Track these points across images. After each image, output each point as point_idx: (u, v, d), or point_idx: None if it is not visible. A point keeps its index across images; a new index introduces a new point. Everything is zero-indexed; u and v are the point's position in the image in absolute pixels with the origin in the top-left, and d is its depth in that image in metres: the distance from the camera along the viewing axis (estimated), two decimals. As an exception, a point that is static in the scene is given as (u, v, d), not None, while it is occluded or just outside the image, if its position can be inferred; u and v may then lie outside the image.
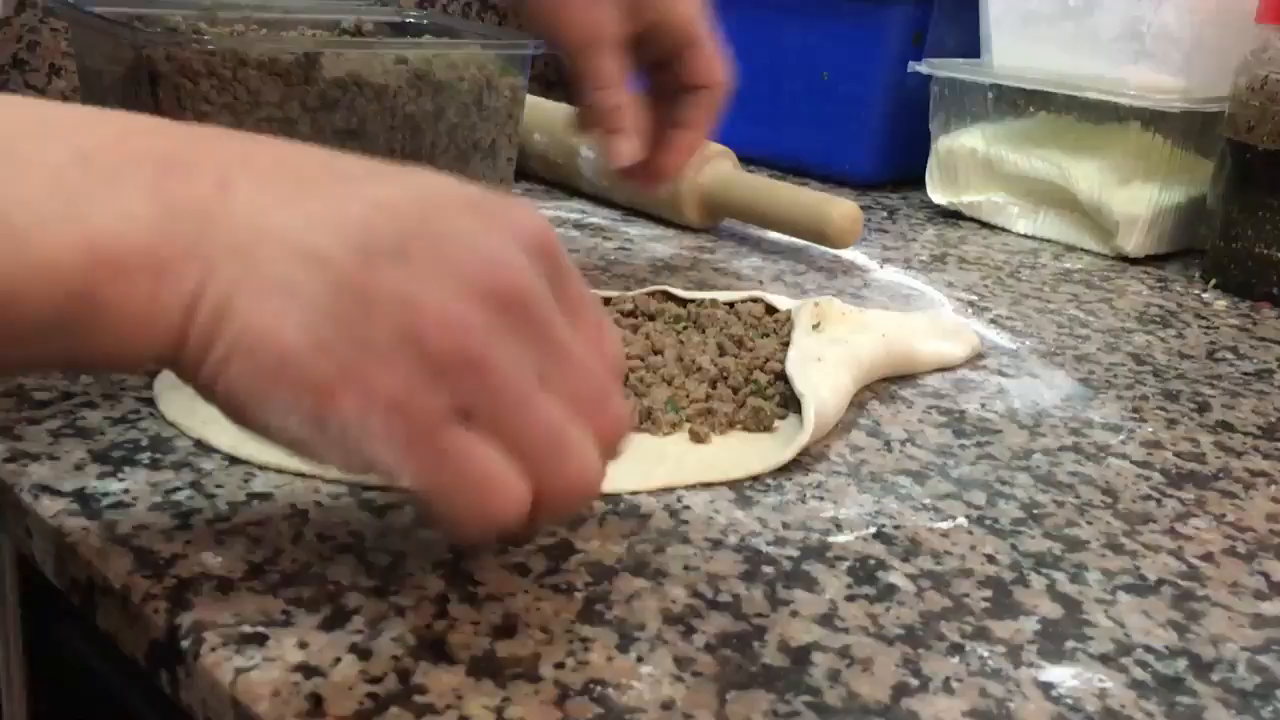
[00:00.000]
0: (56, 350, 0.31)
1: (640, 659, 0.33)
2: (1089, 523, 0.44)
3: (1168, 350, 0.65)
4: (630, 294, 0.58)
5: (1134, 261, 0.82)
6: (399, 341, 0.30)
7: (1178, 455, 0.51)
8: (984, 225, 0.89)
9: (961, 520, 0.43)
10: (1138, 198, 0.80)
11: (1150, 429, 0.53)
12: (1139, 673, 0.35)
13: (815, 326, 0.54)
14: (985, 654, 0.35)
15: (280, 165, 0.33)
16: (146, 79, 0.59)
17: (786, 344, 0.53)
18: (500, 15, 1.29)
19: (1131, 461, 0.49)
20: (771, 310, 0.58)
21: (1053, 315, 0.69)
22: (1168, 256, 0.84)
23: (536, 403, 0.32)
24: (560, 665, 0.32)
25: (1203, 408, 0.56)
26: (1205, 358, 0.64)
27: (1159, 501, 0.46)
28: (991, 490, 0.45)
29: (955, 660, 0.34)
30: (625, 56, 0.59)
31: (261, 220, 0.31)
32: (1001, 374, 0.58)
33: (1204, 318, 0.71)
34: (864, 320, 0.56)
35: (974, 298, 0.71)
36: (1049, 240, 0.86)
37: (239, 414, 0.32)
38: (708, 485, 0.43)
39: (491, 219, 0.33)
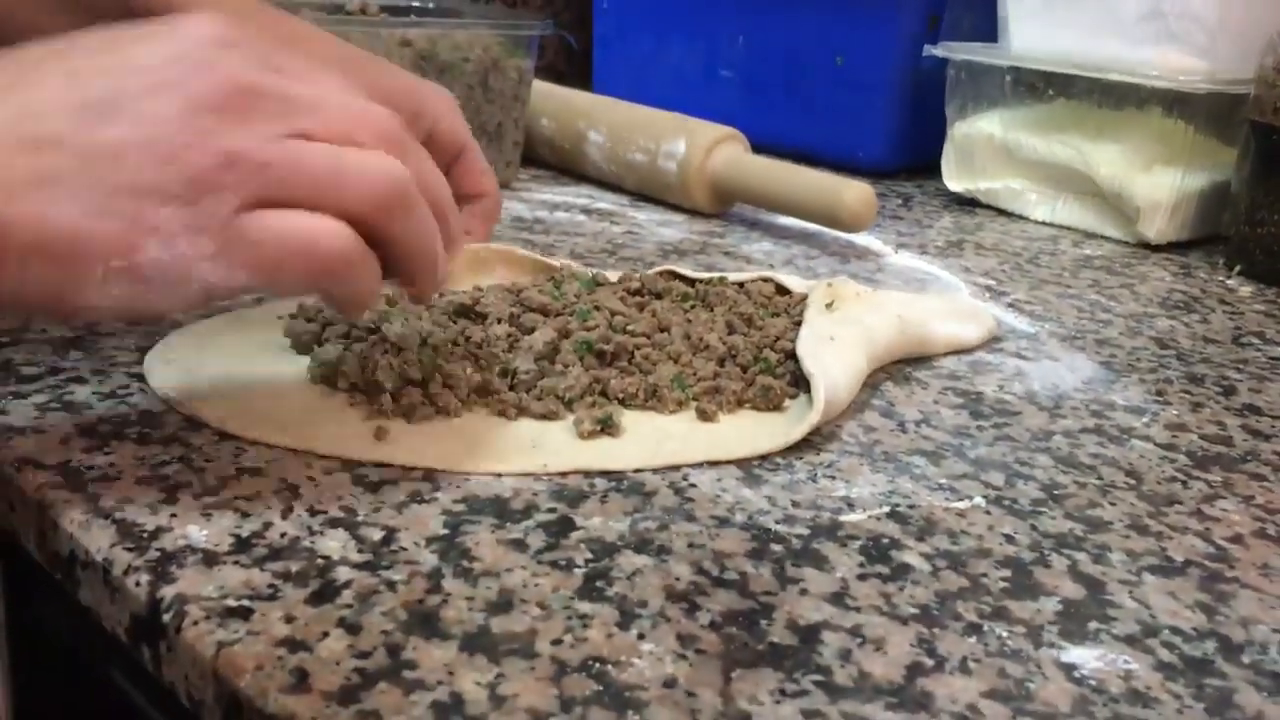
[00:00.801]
0: None
1: (641, 636, 0.31)
2: (1112, 504, 0.42)
3: (1191, 335, 0.63)
4: (636, 274, 0.56)
5: (1156, 248, 0.81)
6: (161, 175, 0.33)
7: (1203, 438, 0.49)
8: (1001, 212, 0.87)
9: (979, 500, 0.41)
10: (1160, 183, 0.78)
11: (1175, 412, 0.51)
12: (1166, 654, 0.33)
13: (829, 306, 0.52)
14: (1004, 634, 0.33)
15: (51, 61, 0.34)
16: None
17: (798, 323, 0.51)
18: (509, 1, 1.27)
19: (1155, 444, 0.48)
20: (783, 291, 0.57)
21: (1073, 300, 0.67)
22: (1190, 243, 0.82)
23: (302, 152, 0.34)
24: (557, 642, 0.31)
25: (1229, 391, 0.54)
26: (1230, 342, 0.62)
27: (1184, 483, 0.44)
28: (1010, 471, 0.44)
29: (973, 640, 0.33)
30: None
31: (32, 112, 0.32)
32: (1020, 357, 0.56)
33: (1228, 303, 0.69)
34: (878, 300, 0.54)
35: (991, 283, 0.69)
36: (1068, 227, 0.84)
37: (60, 307, 0.33)
38: (715, 463, 0.42)
39: (175, 34, 0.35)
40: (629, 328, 0.48)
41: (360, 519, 0.36)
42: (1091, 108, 0.82)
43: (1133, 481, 0.44)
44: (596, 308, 0.50)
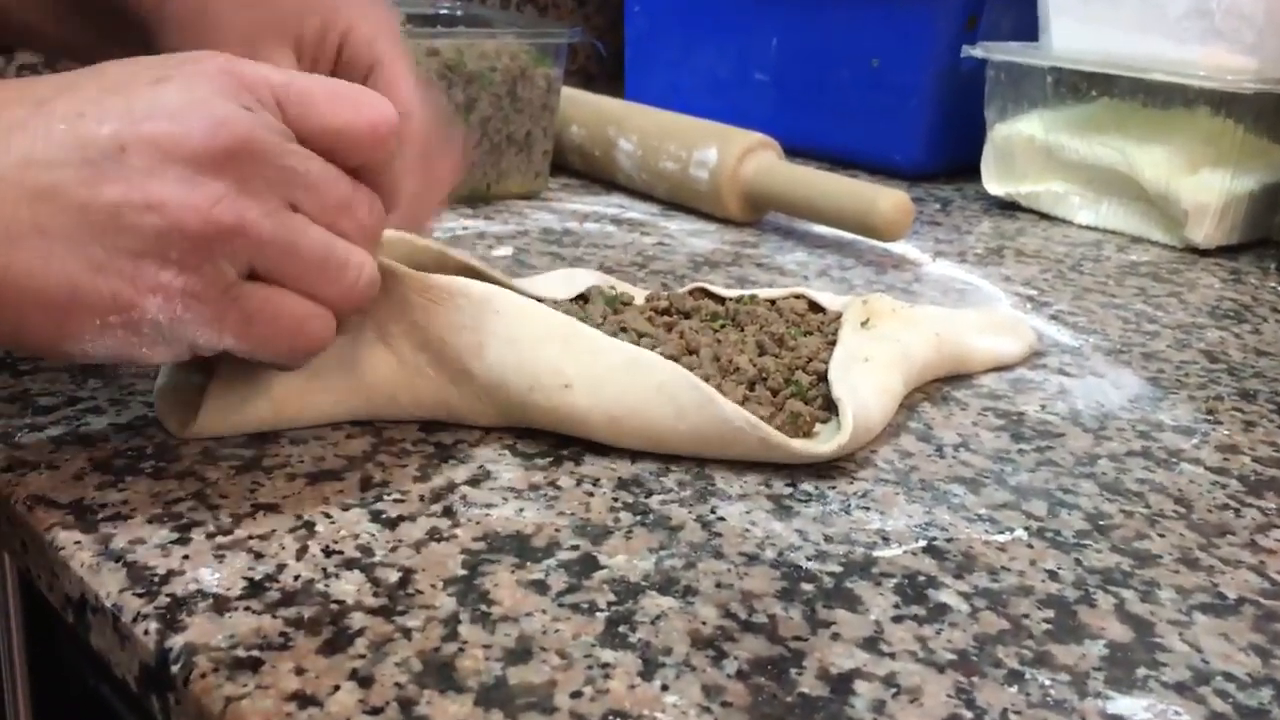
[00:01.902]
0: None
1: (665, 687, 0.30)
2: (1161, 535, 0.40)
3: (1243, 347, 0.60)
4: (664, 293, 0.55)
5: (1204, 253, 0.78)
6: (163, 238, 0.33)
7: (1257, 460, 0.47)
8: (1043, 216, 0.85)
9: (1020, 533, 0.40)
10: (1207, 185, 0.76)
11: (1226, 432, 0.49)
12: (1219, 703, 0.31)
13: (864, 324, 0.51)
14: (1047, 682, 0.32)
15: None
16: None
17: (832, 343, 0.50)
18: (540, 6, 1.27)
19: (1206, 467, 0.46)
20: (817, 307, 0.55)
21: (1118, 310, 0.65)
22: (1240, 247, 0.80)
23: (299, 235, 0.35)
24: (577, 694, 0.30)
25: (1282, 408, 0.52)
26: (1283, 354, 0.60)
27: (1237, 511, 0.42)
28: (1053, 499, 0.42)
29: (1014, 690, 0.31)
30: None
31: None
32: (1063, 373, 0.54)
33: (1280, 311, 0.67)
34: (915, 317, 0.52)
35: (1033, 292, 0.67)
36: (1113, 232, 0.82)
37: (53, 352, 0.34)
38: (744, 495, 0.40)
39: (187, 82, 0.34)
40: (657, 350, 0.47)
41: (377, 559, 0.35)
42: (1136, 108, 0.80)
43: (1182, 510, 0.42)
44: (623, 329, 0.49)
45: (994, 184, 0.86)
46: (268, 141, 0.35)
